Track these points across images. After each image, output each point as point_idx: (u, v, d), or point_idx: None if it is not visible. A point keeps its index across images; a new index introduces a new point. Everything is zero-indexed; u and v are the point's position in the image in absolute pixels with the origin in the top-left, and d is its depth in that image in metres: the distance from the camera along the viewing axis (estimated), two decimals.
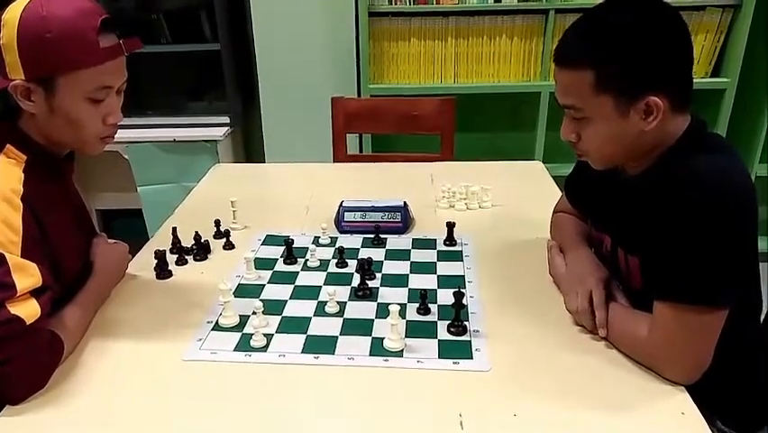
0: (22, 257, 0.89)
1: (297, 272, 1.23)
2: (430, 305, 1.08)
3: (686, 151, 0.93)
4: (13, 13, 0.91)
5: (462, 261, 1.26)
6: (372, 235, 1.36)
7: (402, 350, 0.97)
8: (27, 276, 0.89)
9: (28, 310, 0.87)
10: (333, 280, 1.20)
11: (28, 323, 0.87)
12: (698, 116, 0.97)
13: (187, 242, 1.31)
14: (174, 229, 1.32)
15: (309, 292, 1.16)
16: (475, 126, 2.65)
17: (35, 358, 0.89)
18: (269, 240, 1.37)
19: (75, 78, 0.93)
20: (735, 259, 0.87)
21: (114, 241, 1.21)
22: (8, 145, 0.97)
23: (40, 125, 0.98)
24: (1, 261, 0.87)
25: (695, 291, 0.86)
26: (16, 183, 0.93)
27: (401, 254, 1.30)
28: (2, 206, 0.90)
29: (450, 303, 1.02)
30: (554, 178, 1.70)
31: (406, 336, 1.00)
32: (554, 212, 1.33)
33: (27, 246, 0.90)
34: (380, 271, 1.22)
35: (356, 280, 1.17)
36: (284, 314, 1.09)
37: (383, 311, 1.04)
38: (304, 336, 1.02)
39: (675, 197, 0.89)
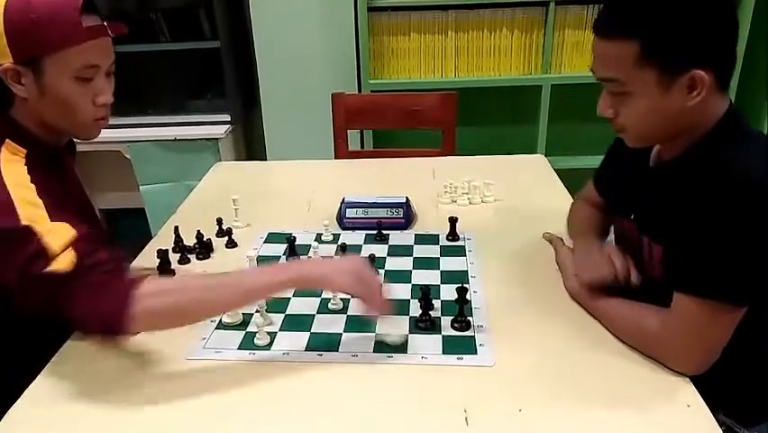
0: (52, 221, 0.90)
1: None
2: (433, 300, 1.08)
3: (723, 140, 0.90)
4: None
5: (465, 256, 1.26)
6: (375, 232, 1.36)
7: (406, 346, 0.97)
8: (59, 237, 0.89)
9: (66, 260, 0.88)
10: None
11: (68, 270, 0.87)
12: (735, 106, 0.94)
13: (190, 240, 1.31)
14: (176, 228, 1.32)
15: (312, 290, 1.15)
16: (476, 120, 2.64)
17: (95, 294, 0.88)
18: (272, 237, 1.37)
19: (61, 57, 0.95)
20: (765, 258, 0.84)
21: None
22: (7, 140, 0.98)
23: (33, 111, 1.00)
24: (31, 233, 0.88)
25: (725, 289, 0.85)
26: (24, 176, 0.96)
27: (404, 250, 1.30)
28: (18, 189, 0.93)
29: (453, 298, 1.02)
30: (557, 171, 1.70)
31: (409, 332, 1.00)
32: (576, 200, 1.31)
33: (53, 211, 0.92)
34: (383, 268, 1.22)
35: None
36: (287, 312, 1.09)
37: None
38: (307, 333, 1.02)
39: (711, 189, 0.86)
